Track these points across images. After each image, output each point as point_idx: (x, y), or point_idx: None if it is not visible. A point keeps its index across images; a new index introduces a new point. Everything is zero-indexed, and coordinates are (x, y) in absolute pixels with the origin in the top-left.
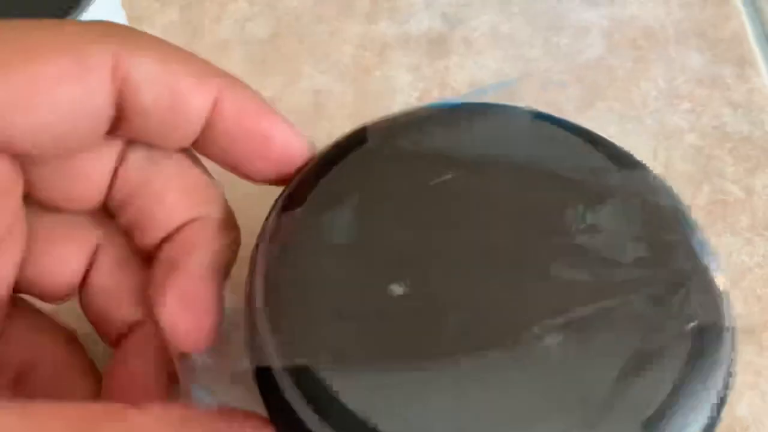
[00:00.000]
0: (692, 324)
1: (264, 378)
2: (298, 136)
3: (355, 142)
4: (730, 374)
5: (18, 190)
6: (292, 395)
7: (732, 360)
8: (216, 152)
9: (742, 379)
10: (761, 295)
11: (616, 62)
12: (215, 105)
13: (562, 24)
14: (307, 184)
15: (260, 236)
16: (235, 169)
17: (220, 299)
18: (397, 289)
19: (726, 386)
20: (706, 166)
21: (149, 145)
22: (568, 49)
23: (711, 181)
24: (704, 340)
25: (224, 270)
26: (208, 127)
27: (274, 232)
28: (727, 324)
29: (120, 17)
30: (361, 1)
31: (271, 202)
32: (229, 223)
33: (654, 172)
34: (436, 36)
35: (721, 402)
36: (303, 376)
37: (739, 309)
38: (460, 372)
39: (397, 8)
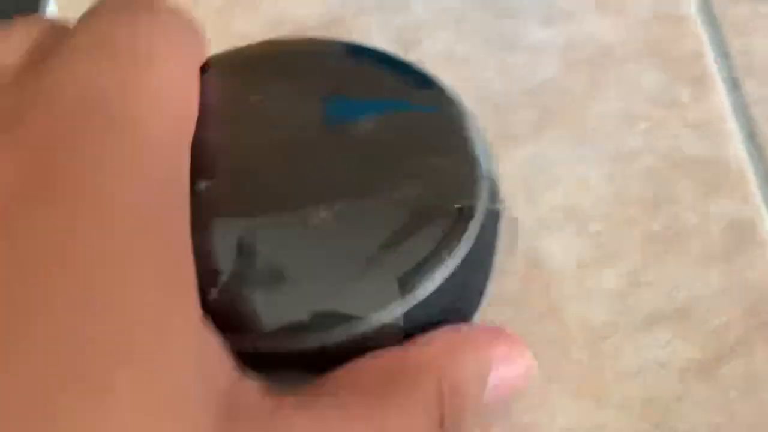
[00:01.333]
0: (452, 205)
1: None
2: None
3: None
4: (480, 249)
5: None
6: None
7: (483, 238)
8: None
9: (699, 418)
10: (714, 328)
11: (571, 83)
12: None
13: (518, 44)
14: None
15: None
16: None
17: None
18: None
19: (474, 256)
20: (661, 191)
21: None
22: (523, 69)
23: (666, 206)
24: (460, 219)
25: None
26: None
27: None
28: (482, 207)
29: None
30: (312, 22)
31: None
32: None
33: (450, 89)
34: None
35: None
36: None
37: (689, 347)
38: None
39: (351, 30)
